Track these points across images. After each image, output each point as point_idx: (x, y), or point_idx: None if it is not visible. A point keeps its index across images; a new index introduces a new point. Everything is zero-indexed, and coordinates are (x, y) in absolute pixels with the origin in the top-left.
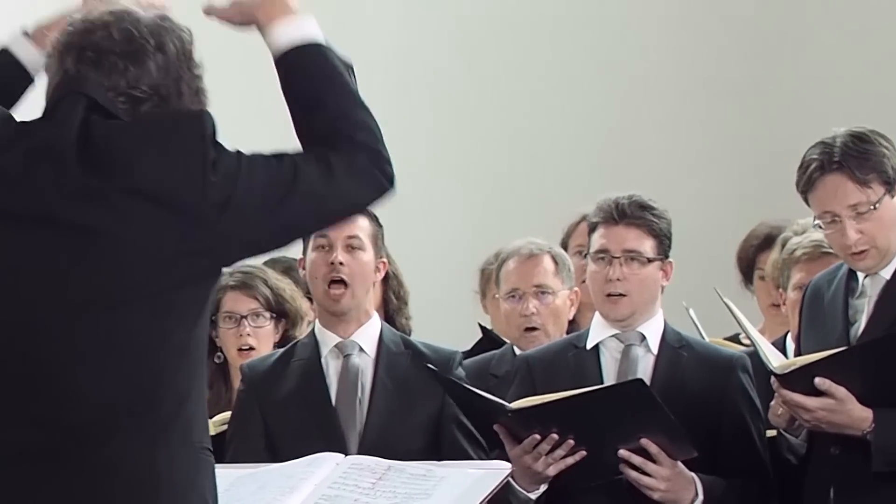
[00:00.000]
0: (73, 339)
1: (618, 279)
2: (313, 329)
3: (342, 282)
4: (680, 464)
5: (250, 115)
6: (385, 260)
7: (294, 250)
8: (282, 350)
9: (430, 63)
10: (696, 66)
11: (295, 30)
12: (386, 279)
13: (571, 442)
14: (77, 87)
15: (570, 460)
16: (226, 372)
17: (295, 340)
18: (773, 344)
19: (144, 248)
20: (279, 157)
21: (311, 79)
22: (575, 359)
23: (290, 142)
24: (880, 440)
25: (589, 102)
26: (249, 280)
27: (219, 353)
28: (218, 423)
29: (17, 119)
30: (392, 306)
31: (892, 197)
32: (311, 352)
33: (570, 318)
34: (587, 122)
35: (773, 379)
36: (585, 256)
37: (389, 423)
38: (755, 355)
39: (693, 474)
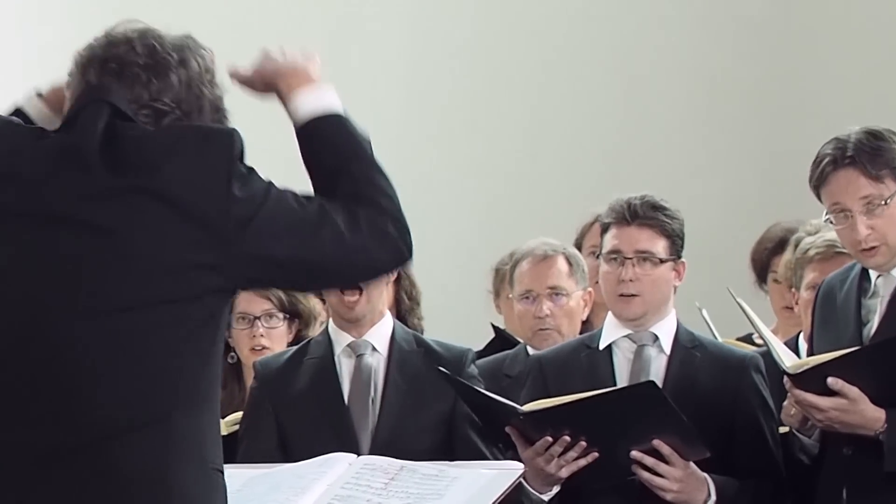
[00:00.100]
0: (81, 342)
1: (630, 280)
2: (326, 327)
3: (357, 287)
4: (692, 464)
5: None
6: None
7: None
8: (295, 348)
9: (441, 63)
10: (707, 66)
11: (316, 99)
12: (398, 279)
13: (584, 444)
14: (100, 95)
15: (583, 462)
16: (239, 372)
17: (308, 339)
18: (786, 344)
19: (155, 252)
20: (309, 197)
21: (334, 147)
22: (588, 359)
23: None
24: (893, 440)
25: (601, 102)
26: None
27: (232, 353)
28: (230, 422)
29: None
30: (404, 306)
31: None
32: (325, 350)
33: (584, 318)
34: (599, 122)
35: (785, 379)
36: (598, 257)
37: (402, 422)
38: (768, 355)
39: (706, 475)
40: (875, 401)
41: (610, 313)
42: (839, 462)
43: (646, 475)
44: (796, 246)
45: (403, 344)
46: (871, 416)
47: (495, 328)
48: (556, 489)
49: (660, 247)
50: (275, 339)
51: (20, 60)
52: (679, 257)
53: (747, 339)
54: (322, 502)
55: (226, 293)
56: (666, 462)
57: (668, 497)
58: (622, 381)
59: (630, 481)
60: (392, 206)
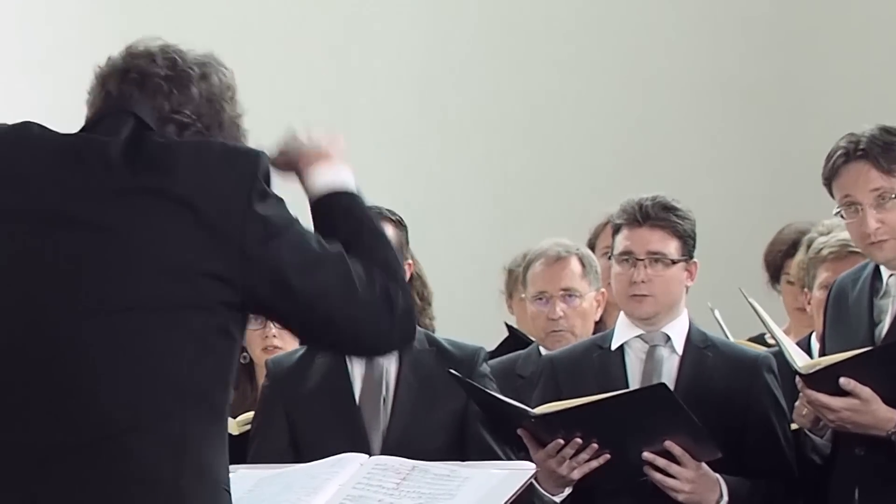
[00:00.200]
0: (82, 340)
1: (642, 281)
2: None
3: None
4: (704, 465)
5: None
6: (410, 261)
7: None
8: (307, 347)
9: (451, 62)
10: (718, 66)
11: (333, 175)
12: (410, 280)
13: (595, 446)
14: (123, 105)
15: (595, 464)
16: (252, 372)
17: None
18: (798, 344)
19: (160, 253)
20: (332, 241)
21: (347, 220)
22: (600, 359)
23: None
24: None
25: (613, 102)
26: None
27: (245, 353)
28: (242, 422)
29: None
30: (416, 307)
31: None
32: None
33: (597, 318)
34: (610, 122)
35: (797, 379)
36: (611, 258)
37: (414, 422)
38: (780, 355)
39: (718, 475)
40: (887, 401)
41: (622, 313)
42: (851, 462)
43: (658, 476)
44: (809, 246)
45: (415, 343)
46: (884, 416)
47: (509, 327)
48: (567, 491)
49: (672, 247)
50: (287, 339)
51: (25, 61)
52: (691, 257)
53: (759, 339)
54: (334, 502)
55: (238, 309)
56: (678, 463)
57: (681, 498)
58: (634, 381)
59: (642, 482)
60: (403, 283)
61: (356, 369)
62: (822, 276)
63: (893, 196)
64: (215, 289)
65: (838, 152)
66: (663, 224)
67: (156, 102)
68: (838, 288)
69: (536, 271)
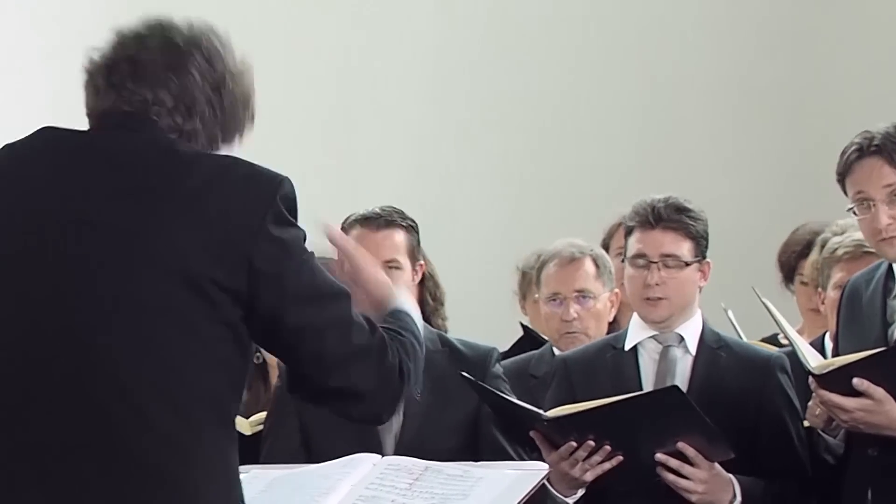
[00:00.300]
0: (96, 343)
1: (656, 283)
2: None
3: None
4: (717, 465)
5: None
6: (422, 262)
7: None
8: None
9: (464, 61)
10: (732, 66)
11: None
12: (422, 280)
13: (608, 448)
14: (133, 100)
15: (608, 465)
16: (265, 372)
17: None
18: (811, 344)
19: (173, 260)
20: (334, 280)
21: (408, 324)
22: (613, 360)
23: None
24: None
25: (626, 102)
26: None
27: (258, 354)
28: (255, 422)
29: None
30: (428, 308)
31: None
32: None
33: (611, 319)
34: (624, 122)
35: (810, 379)
36: (624, 261)
37: (427, 423)
38: (793, 355)
39: (731, 475)
40: None
41: (635, 314)
42: (864, 463)
43: (671, 477)
44: (822, 246)
45: (428, 344)
46: None
47: (524, 327)
48: (580, 492)
49: (685, 249)
50: None
51: (36, 60)
52: (704, 257)
53: (772, 339)
54: (346, 503)
55: (246, 320)
56: (691, 463)
57: (694, 498)
58: (648, 381)
59: (655, 483)
60: (411, 381)
61: None
62: (837, 275)
63: None
64: (225, 298)
65: (852, 148)
66: (676, 226)
67: (158, 95)
68: (851, 288)
69: (550, 272)
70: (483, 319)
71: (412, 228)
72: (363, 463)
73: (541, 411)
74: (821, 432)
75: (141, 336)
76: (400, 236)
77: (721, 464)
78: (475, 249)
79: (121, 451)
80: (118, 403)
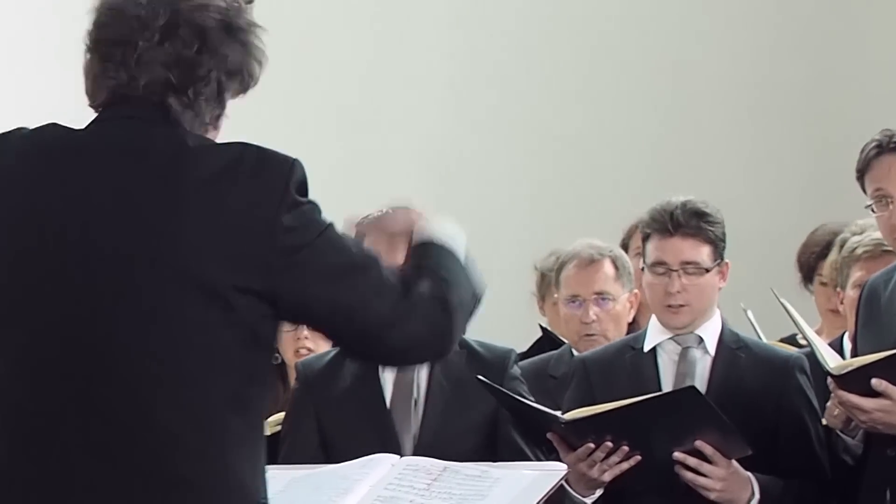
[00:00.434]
0: (119, 344)
1: (678, 291)
2: None
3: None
4: (735, 463)
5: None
6: None
7: None
8: (338, 349)
9: (484, 62)
10: (753, 65)
11: (442, 229)
12: None
13: (626, 448)
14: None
15: (626, 466)
16: (284, 373)
17: None
18: (830, 344)
19: (190, 262)
20: (359, 244)
21: (440, 258)
22: (632, 361)
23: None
24: None
25: (646, 101)
26: None
27: (276, 354)
28: (273, 423)
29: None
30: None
31: None
32: None
33: (630, 319)
34: (642, 121)
35: (829, 380)
36: (643, 269)
37: (445, 424)
38: (812, 356)
39: (749, 474)
40: None
41: (654, 315)
42: (883, 463)
43: (689, 475)
44: (842, 246)
45: None
46: None
47: (543, 329)
48: (599, 492)
49: (704, 255)
50: (319, 341)
51: (37, 54)
52: (722, 259)
53: (791, 339)
54: (365, 503)
55: (269, 318)
56: (709, 462)
57: (712, 497)
58: (667, 382)
59: (673, 482)
60: (460, 316)
61: (387, 371)
62: (856, 274)
63: None
64: (246, 300)
65: (871, 145)
66: (695, 232)
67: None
68: (870, 288)
69: (569, 274)
70: (501, 321)
71: None
72: (382, 463)
73: (558, 414)
74: (839, 433)
75: (152, 339)
76: None
77: (739, 463)
78: (494, 250)
79: (133, 455)
80: (127, 406)
